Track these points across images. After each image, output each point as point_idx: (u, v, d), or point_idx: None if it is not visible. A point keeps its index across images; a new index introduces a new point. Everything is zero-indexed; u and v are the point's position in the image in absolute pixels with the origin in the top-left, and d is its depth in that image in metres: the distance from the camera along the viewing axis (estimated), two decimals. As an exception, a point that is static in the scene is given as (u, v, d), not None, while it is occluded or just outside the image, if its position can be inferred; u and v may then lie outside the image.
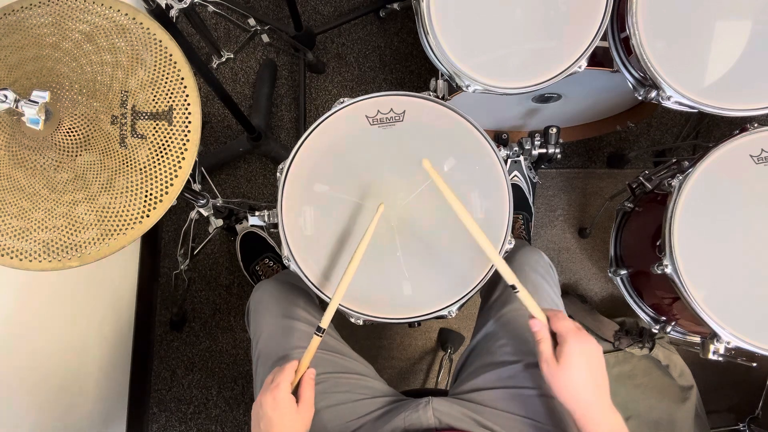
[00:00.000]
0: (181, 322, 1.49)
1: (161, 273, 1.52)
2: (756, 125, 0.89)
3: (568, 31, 0.87)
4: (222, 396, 1.49)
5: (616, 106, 1.31)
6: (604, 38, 0.90)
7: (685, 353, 1.39)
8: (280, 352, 0.83)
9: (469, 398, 0.78)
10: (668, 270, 0.86)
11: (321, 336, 0.70)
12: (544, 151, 0.96)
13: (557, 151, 0.97)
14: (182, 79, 0.72)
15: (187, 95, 0.72)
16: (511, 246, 0.80)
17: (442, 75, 0.97)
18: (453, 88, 1.04)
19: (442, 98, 1.08)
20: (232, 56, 1.56)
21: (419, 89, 0.91)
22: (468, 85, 0.89)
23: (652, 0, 0.85)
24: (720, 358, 0.88)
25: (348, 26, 1.59)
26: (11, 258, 0.68)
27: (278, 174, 0.82)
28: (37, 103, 0.63)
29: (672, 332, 1.06)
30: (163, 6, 0.86)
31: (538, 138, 0.96)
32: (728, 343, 0.85)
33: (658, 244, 0.91)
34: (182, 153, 0.70)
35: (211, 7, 1.43)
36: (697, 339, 1.05)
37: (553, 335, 0.65)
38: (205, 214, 1.17)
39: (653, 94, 0.88)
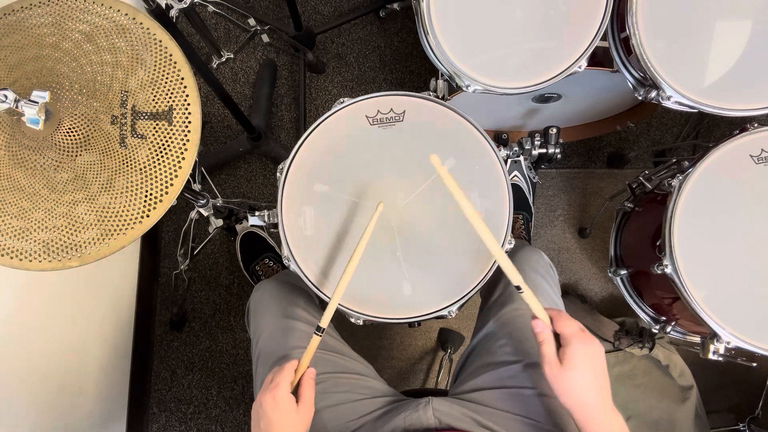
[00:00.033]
0: (181, 322, 1.49)
1: (161, 273, 1.52)
2: (756, 125, 0.89)
3: (568, 31, 0.87)
4: (222, 396, 1.49)
5: (616, 106, 1.31)
6: (604, 38, 0.90)
7: (685, 353, 1.39)
8: (280, 352, 0.83)
9: (469, 398, 0.78)
10: (668, 270, 0.86)
11: (320, 335, 0.70)
12: (544, 151, 0.96)
13: (557, 151, 0.97)
14: (182, 79, 0.72)
15: (187, 95, 0.72)
16: (511, 246, 0.80)
17: (442, 75, 0.97)
18: (453, 88, 1.04)
19: (442, 98, 1.08)
20: (232, 56, 1.56)
21: (419, 89, 0.91)
22: (468, 85, 0.89)
23: (652, 0, 0.85)
24: (720, 358, 0.88)
25: (348, 26, 1.59)
26: (11, 258, 0.68)
27: (278, 174, 0.82)
28: (37, 103, 0.63)
29: (672, 332, 1.06)
30: (163, 6, 0.86)
31: (538, 138, 0.96)
32: (728, 343, 0.85)
33: (658, 244, 0.91)
34: (182, 153, 0.70)
35: (211, 7, 1.43)
36: (697, 339, 1.05)
37: (556, 336, 0.64)
38: (205, 214, 1.17)
39: (653, 94, 0.88)
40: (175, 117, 0.71)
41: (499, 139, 1.12)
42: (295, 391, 0.68)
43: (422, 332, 1.50)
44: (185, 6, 1.01)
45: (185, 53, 0.73)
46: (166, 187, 0.70)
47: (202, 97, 1.33)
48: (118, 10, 0.72)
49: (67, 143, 0.68)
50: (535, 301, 0.66)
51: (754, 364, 1.06)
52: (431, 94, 0.84)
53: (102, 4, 0.72)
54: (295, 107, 1.56)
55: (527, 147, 0.96)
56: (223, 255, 1.52)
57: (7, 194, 0.68)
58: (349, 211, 0.81)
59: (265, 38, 1.55)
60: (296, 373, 0.69)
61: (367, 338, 1.50)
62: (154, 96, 0.71)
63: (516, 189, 1.38)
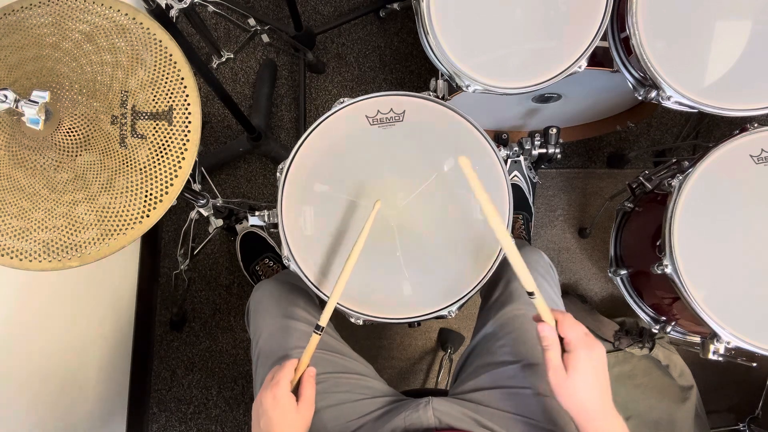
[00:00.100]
0: (181, 322, 1.49)
1: (161, 273, 1.52)
2: (756, 125, 0.89)
3: (568, 31, 0.87)
4: (222, 396, 1.49)
5: (616, 106, 1.31)
6: (604, 38, 0.90)
7: (685, 353, 1.39)
8: (280, 351, 0.83)
9: (469, 398, 0.78)
10: (668, 270, 0.86)
11: (320, 334, 0.70)
12: (544, 151, 0.96)
13: (557, 151, 0.97)
14: (182, 79, 0.72)
15: (187, 95, 0.72)
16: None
17: (442, 75, 0.97)
18: (453, 88, 1.04)
19: (442, 98, 1.08)
20: (232, 56, 1.56)
21: (419, 89, 0.91)
22: (468, 85, 0.89)
23: (652, 0, 0.85)
24: (720, 358, 0.88)
25: (348, 26, 1.59)
26: (11, 258, 0.68)
27: (278, 174, 0.82)
28: (37, 103, 0.63)
29: (672, 332, 1.06)
30: (163, 6, 0.86)
31: (538, 138, 0.96)
32: (728, 343, 0.85)
33: (658, 244, 0.91)
34: (182, 153, 0.70)
35: (211, 7, 1.43)
36: (697, 339, 1.05)
37: (560, 339, 0.64)
38: (205, 214, 1.17)
39: (653, 94, 0.88)
40: (175, 117, 0.71)
41: (499, 139, 1.12)
42: (296, 390, 0.68)
43: (422, 332, 1.50)
44: (185, 6, 1.01)
45: (185, 53, 0.73)
46: (166, 187, 0.70)
47: (202, 97, 1.33)
48: (118, 10, 0.72)
49: (67, 143, 0.68)
50: (545, 307, 0.64)
51: (754, 364, 1.06)
52: (431, 94, 0.84)
53: (102, 4, 0.72)
54: (295, 107, 1.56)
55: (527, 147, 0.96)
56: (223, 255, 1.52)
57: (7, 194, 0.68)
58: (349, 211, 0.81)
59: (265, 38, 1.55)
60: (296, 372, 0.69)
61: (367, 338, 1.50)
62: (154, 96, 0.71)
63: (516, 189, 1.38)
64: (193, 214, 1.25)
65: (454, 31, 0.88)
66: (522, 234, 1.38)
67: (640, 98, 0.93)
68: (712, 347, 0.87)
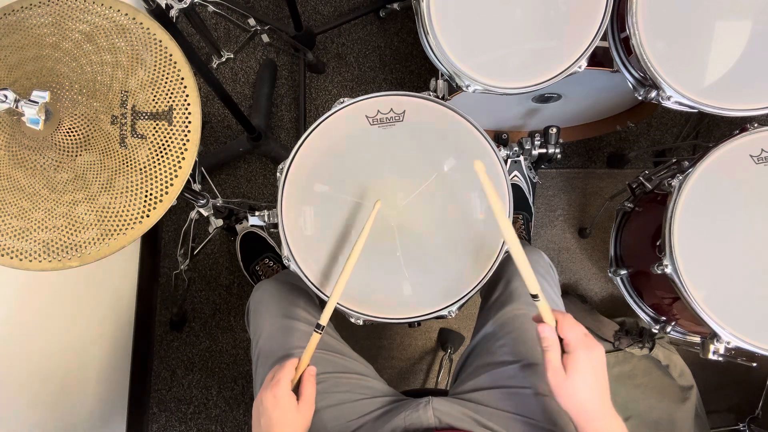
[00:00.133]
0: (181, 322, 1.49)
1: (161, 273, 1.52)
2: (756, 125, 0.89)
3: (568, 31, 0.87)
4: (222, 396, 1.49)
5: (616, 106, 1.30)
6: (604, 38, 0.90)
7: (685, 353, 1.39)
8: (280, 351, 0.83)
9: (469, 398, 0.78)
10: (668, 270, 0.86)
11: (321, 333, 0.70)
12: (544, 151, 0.96)
13: (557, 151, 0.97)
14: (182, 79, 0.72)
15: (187, 95, 0.72)
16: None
17: (442, 75, 0.97)
18: (453, 88, 1.04)
19: (442, 98, 1.08)
20: (232, 56, 1.56)
21: (419, 89, 0.91)
22: (468, 85, 0.89)
23: (652, 0, 0.85)
24: (720, 358, 0.88)
25: (348, 26, 1.59)
26: (11, 258, 0.68)
27: (278, 174, 0.82)
28: (37, 103, 0.63)
29: (672, 332, 1.06)
30: (163, 6, 0.86)
31: (538, 138, 0.96)
32: (728, 343, 0.85)
33: (658, 244, 0.91)
34: (182, 153, 0.70)
35: (211, 7, 1.43)
36: (697, 339, 1.05)
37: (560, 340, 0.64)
38: (205, 214, 1.17)
39: (653, 94, 0.88)
40: (175, 117, 0.71)
41: (499, 139, 1.12)
42: (296, 389, 0.69)
43: (422, 332, 1.50)
44: (185, 6, 1.01)
45: (185, 53, 0.73)
46: (166, 187, 0.70)
47: (202, 97, 1.33)
48: (118, 10, 0.72)
49: (67, 143, 0.68)
50: (547, 309, 0.65)
51: (754, 364, 1.06)
52: (431, 94, 0.84)
53: (102, 4, 0.72)
54: (295, 107, 1.56)
55: (527, 147, 0.96)
56: (223, 255, 1.52)
57: (7, 194, 0.68)
58: (349, 211, 0.81)
59: (265, 38, 1.55)
60: (297, 371, 0.69)
61: (367, 338, 1.50)
62: (154, 96, 0.71)
63: (516, 189, 1.38)
64: (193, 214, 1.25)
65: (454, 31, 0.88)
66: (522, 234, 1.38)
67: (640, 98, 0.93)
68: (712, 347, 0.87)
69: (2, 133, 0.69)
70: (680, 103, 0.88)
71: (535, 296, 0.64)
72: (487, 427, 0.73)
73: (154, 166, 0.70)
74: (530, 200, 1.41)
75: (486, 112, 1.27)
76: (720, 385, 1.45)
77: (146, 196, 0.69)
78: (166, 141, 0.70)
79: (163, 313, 1.51)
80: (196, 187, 1.10)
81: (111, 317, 1.34)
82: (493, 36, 0.88)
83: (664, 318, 1.08)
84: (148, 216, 0.69)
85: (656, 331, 1.08)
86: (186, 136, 0.71)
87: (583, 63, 0.87)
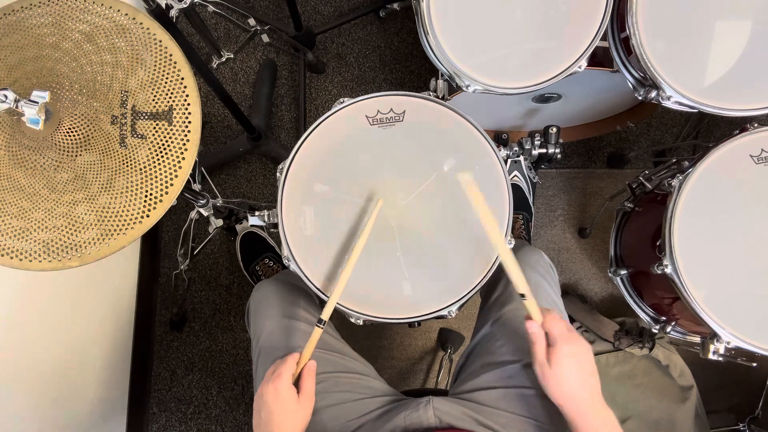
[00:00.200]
0: (181, 322, 1.49)
1: (161, 273, 1.52)
2: (756, 125, 0.89)
3: (568, 31, 0.87)
4: (222, 396, 1.49)
5: (616, 106, 1.31)
6: (604, 38, 0.90)
7: (685, 353, 1.39)
8: (281, 351, 0.83)
9: (470, 398, 0.78)
10: (668, 270, 0.86)
11: (322, 328, 0.71)
12: (544, 151, 0.96)
13: (557, 151, 0.97)
14: (182, 79, 0.72)
15: (187, 95, 0.72)
16: (511, 246, 0.80)
17: (442, 75, 0.96)
18: (453, 88, 1.04)
19: (442, 98, 1.08)
20: (232, 56, 1.56)
21: (419, 89, 0.91)
22: (468, 85, 0.89)
23: (652, 0, 0.85)
24: (720, 358, 0.88)
25: (348, 26, 1.59)
26: (11, 258, 0.68)
27: (278, 174, 0.82)
28: (37, 103, 0.63)
29: (672, 332, 1.06)
30: (163, 6, 0.86)
31: (538, 138, 0.96)
32: (728, 343, 0.85)
33: (658, 244, 0.91)
34: (182, 153, 0.70)
35: (211, 7, 1.43)
36: (697, 339, 1.05)
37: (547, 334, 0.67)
38: (205, 214, 1.17)
39: (653, 94, 0.88)
40: (175, 117, 0.71)
41: (499, 139, 1.12)
42: (296, 383, 0.69)
43: (422, 332, 1.50)
44: (185, 6, 1.01)
45: (185, 53, 0.73)
46: (166, 187, 0.70)
47: (202, 97, 1.33)
48: (118, 10, 0.72)
49: (67, 143, 0.68)
50: (535, 307, 0.68)
51: (754, 364, 1.06)
52: (431, 94, 0.84)
53: (102, 4, 0.72)
54: (295, 107, 1.56)
55: (527, 147, 0.96)
56: (223, 255, 1.52)
57: (7, 194, 0.69)
58: (349, 211, 0.81)
59: (265, 38, 1.55)
60: (298, 365, 0.70)
61: (367, 338, 1.50)
62: (154, 96, 0.71)
63: (516, 189, 1.38)
64: (193, 214, 1.25)
65: (454, 31, 0.88)
66: (522, 234, 1.38)
67: (640, 98, 0.93)
68: (712, 347, 0.87)
69: (2, 133, 0.69)
70: (680, 103, 0.88)
71: (522, 295, 0.68)
72: (487, 426, 0.73)
73: (154, 166, 0.70)
74: (530, 200, 1.41)
75: (486, 112, 1.27)
76: (720, 385, 1.45)
77: (146, 196, 0.69)
78: (166, 141, 0.70)
79: (163, 313, 1.51)
80: (196, 187, 1.10)
81: (111, 317, 1.34)
82: (493, 36, 0.88)
83: (664, 318, 1.08)
84: (148, 216, 0.69)
85: (656, 331, 1.08)
86: (186, 136, 0.71)
87: (583, 63, 0.87)
